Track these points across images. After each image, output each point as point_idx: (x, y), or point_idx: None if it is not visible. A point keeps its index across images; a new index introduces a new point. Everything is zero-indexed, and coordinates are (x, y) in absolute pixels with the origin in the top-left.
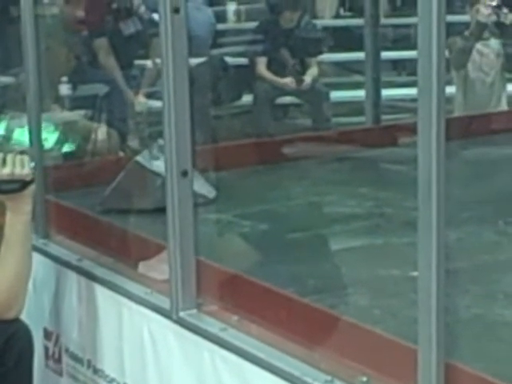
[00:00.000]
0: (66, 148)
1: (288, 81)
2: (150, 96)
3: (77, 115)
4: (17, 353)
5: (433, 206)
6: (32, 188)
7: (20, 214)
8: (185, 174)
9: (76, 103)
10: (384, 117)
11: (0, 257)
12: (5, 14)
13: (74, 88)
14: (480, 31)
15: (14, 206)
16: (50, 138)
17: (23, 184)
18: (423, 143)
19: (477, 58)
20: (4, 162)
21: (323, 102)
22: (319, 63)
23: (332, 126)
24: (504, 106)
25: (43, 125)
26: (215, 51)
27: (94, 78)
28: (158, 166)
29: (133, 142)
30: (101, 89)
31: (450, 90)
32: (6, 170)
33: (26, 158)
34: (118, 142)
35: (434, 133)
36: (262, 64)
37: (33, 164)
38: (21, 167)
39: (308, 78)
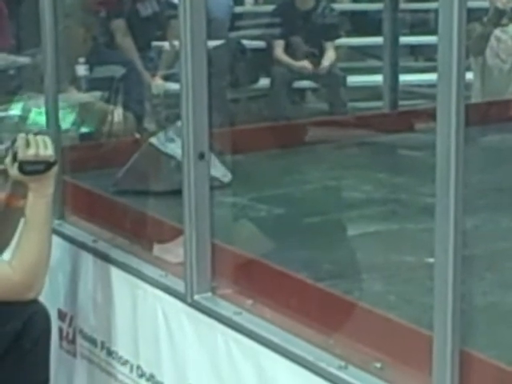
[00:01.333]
0: (83, 129)
1: (305, 63)
2: (167, 78)
3: (93, 97)
4: (35, 335)
5: (451, 193)
6: (55, 170)
7: (42, 195)
8: (202, 156)
9: (92, 84)
10: (401, 102)
11: (21, 238)
12: None
13: (91, 69)
14: (498, 17)
15: (36, 187)
16: (66, 118)
17: (47, 165)
18: (442, 129)
19: (494, 45)
20: (27, 143)
21: (340, 87)
22: (336, 47)
23: (348, 111)
24: None
25: (60, 105)
26: (233, 34)
27: (111, 59)
28: (173, 148)
29: (149, 125)
30: (117, 71)
31: (468, 76)
32: (31, 151)
33: (48, 139)
34: (134, 125)
35: (454, 119)
36: (279, 47)
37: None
38: (44, 148)
39: (325, 62)
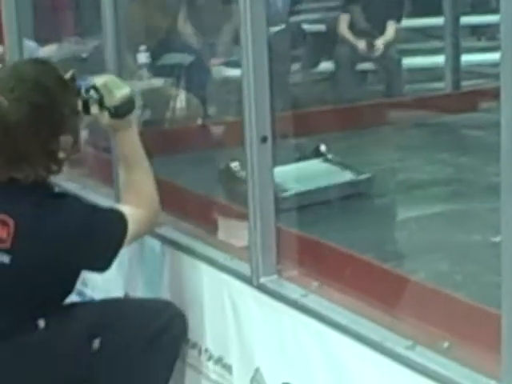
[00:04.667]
0: (146, 115)
1: (361, 45)
2: (227, 64)
3: (157, 83)
4: (175, 335)
5: None
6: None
7: (134, 130)
8: (264, 140)
9: (156, 72)
10: (463, 83)
11: (130, 177)
12: None
13: (154, 57)
14: None
15: (126, 125)
16: None
17: (132, 101)
18: (506, 108)
19: None
20: (107, 88)
21: (394, 69)
22: (397, 28)
23: (404, 93)
24: None
25: None
26: (293, 18)
27: (178, 46)
28: None
29: (212, 111)
30: (185, 58)
31: None
32: (117, 95)
33: (115, 77)
34: (201, 108)
35: None
36: (344, 22)
37: None
38: (121, 87)
39: (379, 43)
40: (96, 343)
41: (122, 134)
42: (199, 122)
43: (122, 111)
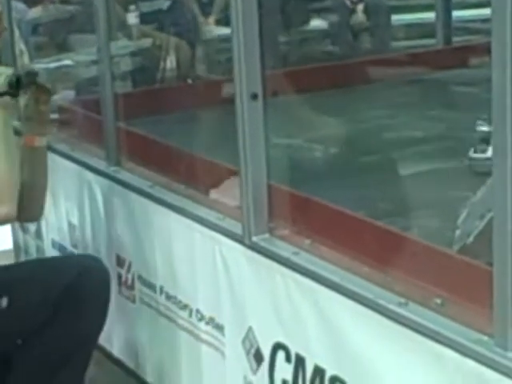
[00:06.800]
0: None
1: None
2: (219, 23)
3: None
4: (91, 286)
5: (507, 129)
6: None
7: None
8: (254, 96)
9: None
10: (455, 38)
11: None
12: None
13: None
14: None
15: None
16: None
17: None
18: (497, 64)
19: None
20: None
21: (384, 25)
22: None
23: (395, 50)
24: None
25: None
26: None
27: None
28: None
29: (202, 70)
30: (162, 3)
31: None
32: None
33: None
34: (190, 52)
35: (509, 52)
36: None
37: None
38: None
39: None
40: (4, 301)
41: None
42: (189, 81)
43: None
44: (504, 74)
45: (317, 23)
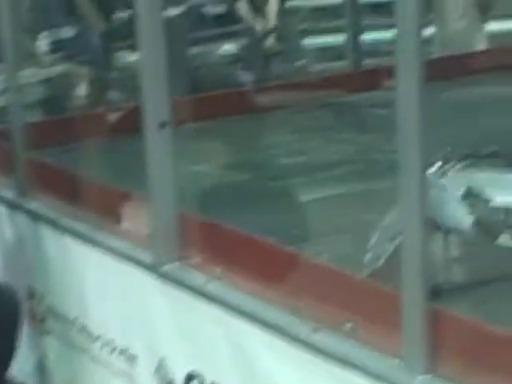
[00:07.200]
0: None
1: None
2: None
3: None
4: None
5: (413, 149)
6: None
7: None
8: (163, 125)
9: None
10: (367, 61)
11: None
12: None
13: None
14: None
15: None
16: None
17: None
18: (402, 86)
19: None
20: None
21: (295, 49)
22: (297, 8)
23: (306, 73)
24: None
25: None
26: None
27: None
28: None
29: (114, 96)
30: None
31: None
32: None
33: None
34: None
35: (414, 75)
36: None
37: None
38: None
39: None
40: None
41: None
42: (100, 109)
43: None
44: (409, 96)
45: (228, 47)
